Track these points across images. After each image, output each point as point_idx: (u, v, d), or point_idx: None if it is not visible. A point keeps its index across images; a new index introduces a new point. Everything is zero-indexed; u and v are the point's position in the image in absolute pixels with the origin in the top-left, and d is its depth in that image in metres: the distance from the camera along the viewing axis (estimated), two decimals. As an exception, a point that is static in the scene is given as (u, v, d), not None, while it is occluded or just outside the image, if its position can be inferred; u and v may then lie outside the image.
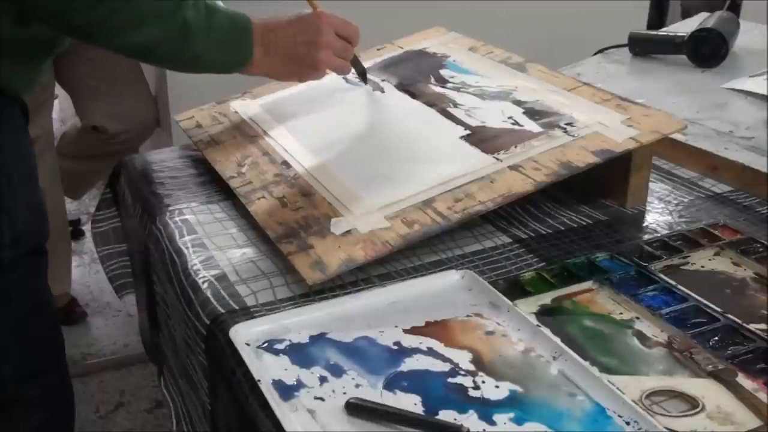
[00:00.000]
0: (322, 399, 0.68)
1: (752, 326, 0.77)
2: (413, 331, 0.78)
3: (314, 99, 1.23)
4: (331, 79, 1.24)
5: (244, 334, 0.76)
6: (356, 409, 0.66)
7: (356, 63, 1.18)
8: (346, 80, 1.24)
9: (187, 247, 0.96)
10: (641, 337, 0.77)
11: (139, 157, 1.26)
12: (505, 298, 0.81)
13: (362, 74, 1.21)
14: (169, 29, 0.90)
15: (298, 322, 0.79)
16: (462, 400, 0.68)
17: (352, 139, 1.10)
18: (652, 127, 0.98)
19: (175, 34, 0.91)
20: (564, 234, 0.98)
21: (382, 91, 1.20)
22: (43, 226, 1.05)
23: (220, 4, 0.99)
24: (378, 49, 1.37)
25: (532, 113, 1.07)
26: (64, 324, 2.10)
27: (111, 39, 0.90)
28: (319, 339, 0.77)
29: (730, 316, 0.79)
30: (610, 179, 1.03)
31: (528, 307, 0.82)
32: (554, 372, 0.71)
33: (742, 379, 0.70)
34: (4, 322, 1.00)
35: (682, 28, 1.73)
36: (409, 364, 0.73)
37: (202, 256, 0.94)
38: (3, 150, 0.95)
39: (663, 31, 1.81)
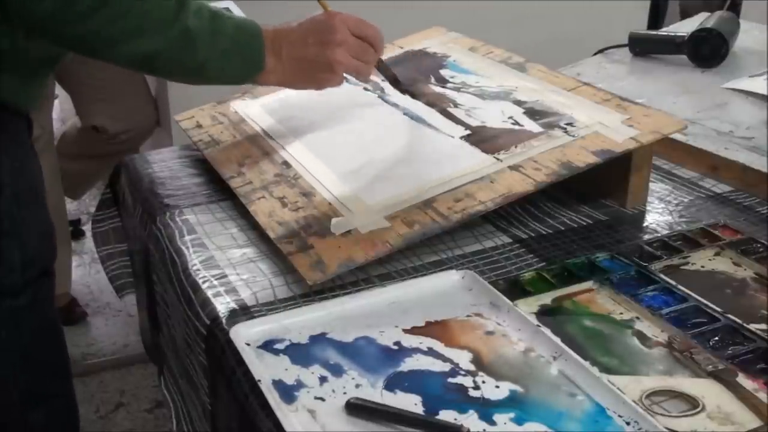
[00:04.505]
0: (322, 399, 0.68)
1: (752, 326, 0.77)
2: (413, 331, 0.78)
3: (314, 99, 1.22)
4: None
5: (244, 334, 0.76)
6: (356, 409, 0.66)
7: (384, 68, 1.09)
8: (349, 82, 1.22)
9: (187, 247, 0.96)
10: (641, 337, 0.77)
11: (139, 157, 1.26)
12: (506, 298, 0.81)
13: (393, 80, 1.11)
14: (170, 38, 0.86)
15: (298, 322, 0.79)
16: (462, 400, 0.68)
17: (352, 138, 1.10)
18: (652, 127, 0.98)
19: (176, 42, 0.87)
20: (564, 234, 0.98)
21: (383, 91, 1.19)
22: (51, 248, 1.03)
23: (233, 12, 0.96)
24: (378, 49, 1.37)
25: (532, 113, 1.07)
26: (64, 324, 2.11)
27: (108, 50, 0.86)
28: (319, 339, 0.77)
29: (730, 316, 0.79)
30: (610, 179, 1.03)
31: (528, 307, 0.82)
32: (554, 372, 0.71)
33: (742, 379, 0.70)
34: (13, 346, 0.98)
35: (682, 28, 1.73)
36: (409, 364, 0.73)
37: (202, 256, 0.94)
38: (15, 173, 0.93)
39: (663, 31, 1.82)
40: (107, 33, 0.84)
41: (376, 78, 1.25)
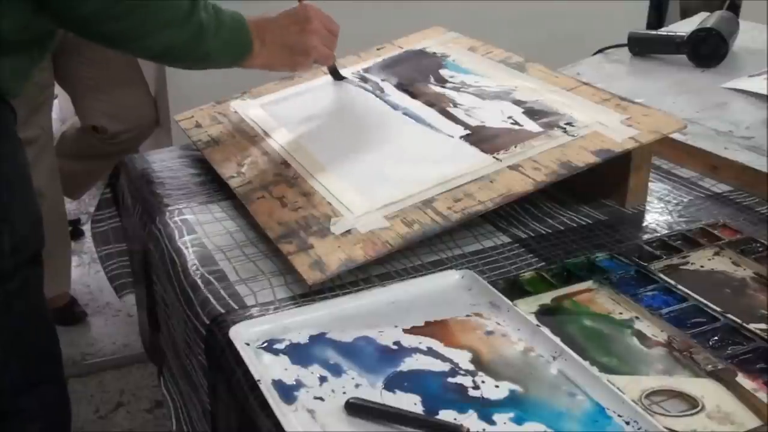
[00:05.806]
0: (322, 399, 0.68)
1: (752, 326, 0.77)
2: (413, 330, 0.78)
3: (314, 99, 1.23)
4: (330, 79, 1.25)
5: (244, 334, 0.76)
6: (356, 409, 0.66)
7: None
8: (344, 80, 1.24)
9: (186, 247, 0.96)
10: (641, 336, 0.77)
11: (139, 157, 1.26)
12: (505, 298, 0.81)
13: (333, 72, 1.25)
14: (187, 31, 0.94)
15: (298, 322, 0.79)
16: (462, 400, 0.68)
17: (351, 138, 1.10)
18: (652, 127, 0.98)
19: (192, 35, 0.94)
20: (564, 234, 0.98)
21: (382, 91, 1.20)
22: (40, 234, 1.05)
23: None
24: (378, 49, 1.37)
25: (532, 113, 1.07)
26: (64, 324, 2.11)
27: (135, 44, 0.94)
28: (318, 339, 0.77)
29: (729, 315, 0.79)
30: (610, 179, 1.03)
31: (528, 307, 0.82)
32: (554, 372, 0.71)
33: (742, 379, 0.70)
34: (4, 332, 0.99)
35: (682, 28, 1.73)
36: (409, 363, 0.73)
37: (201, 255, 0.94)
38: (3, 159, 0.95)
39: (663, 31, 1.81)
40: (137, 30, 0.91)
41: (377, 78, 1.25)
